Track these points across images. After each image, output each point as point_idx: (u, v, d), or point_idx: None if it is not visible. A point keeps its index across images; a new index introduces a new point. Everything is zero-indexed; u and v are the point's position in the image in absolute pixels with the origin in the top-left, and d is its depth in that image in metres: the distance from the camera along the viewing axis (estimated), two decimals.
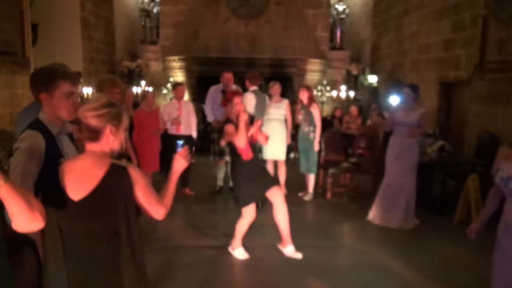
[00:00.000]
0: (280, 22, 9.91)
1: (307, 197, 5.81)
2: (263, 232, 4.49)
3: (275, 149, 5.73)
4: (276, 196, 3.75)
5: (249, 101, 5.40)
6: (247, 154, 3.58)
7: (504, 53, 5.37)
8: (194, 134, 5.91)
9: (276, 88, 5.79)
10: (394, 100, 4.76)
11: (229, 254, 3.89)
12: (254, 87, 5.64)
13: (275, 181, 3.76)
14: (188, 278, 3.40)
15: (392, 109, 4.97)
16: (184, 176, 5.97)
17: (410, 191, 4.67)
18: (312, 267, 3.64)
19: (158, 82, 10.52)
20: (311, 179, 5.82)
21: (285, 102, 5.79)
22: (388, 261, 3.83)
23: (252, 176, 3.65)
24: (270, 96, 5.83)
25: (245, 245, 4.03)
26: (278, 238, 3.96)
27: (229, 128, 3.65)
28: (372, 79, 10.07)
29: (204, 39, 9.88)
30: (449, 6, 6.73)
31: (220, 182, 6.02)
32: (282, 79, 8.19)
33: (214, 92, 5.92)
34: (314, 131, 5.66)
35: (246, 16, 9.86)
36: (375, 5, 10.26)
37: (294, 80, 10.05)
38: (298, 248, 3.90)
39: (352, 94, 10.29)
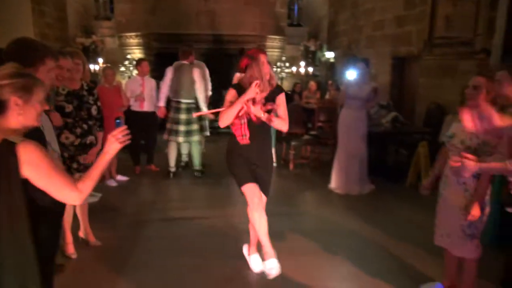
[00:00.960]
0: None
1: None
2: (236, 200, 4.70)
3: None
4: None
5: (167, 74, 5.48)
6: (241, 138, 2.80)
7: (451, 29, 5.76)
8: (185, 115, 5.86)
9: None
10: (350, 74, 4.96)
11: (199, 225, 4.05)
12: (184, 62, 5.52)
13: (267, 190, 2.98)
14: (159, 250, 3.51)
15: (346, 83, 5.14)
16: (149, 153, 6.02)
17: (362, 158, 5.02)
18: (280, 232, 3.87)
19: (115, 59, 10.23)
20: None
21: None
22: (350, 223, 4.15)
23: (245, 164, 2.88)
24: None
25: (220, 214, 4.24)
26: None
27: (230, 93, 2.86)
28: (330, 55, 10.36)
29: (162, 15, 9.68)
30: None
31: (184, 158, 6.10)
32: (242, 55, 8.28)
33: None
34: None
35: None
36: None
37: None
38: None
39: (310, 69, 10.55)
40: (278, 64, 10.56)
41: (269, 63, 2.90)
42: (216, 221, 4.14)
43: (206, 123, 5.98)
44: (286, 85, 10.64)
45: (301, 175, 5.99)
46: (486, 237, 3.33)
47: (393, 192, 5.13)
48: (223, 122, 2.79)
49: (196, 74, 5.42)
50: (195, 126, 5.55)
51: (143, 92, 5.63)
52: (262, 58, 2.78)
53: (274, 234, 3.81)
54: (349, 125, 4.97)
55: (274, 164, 6.05)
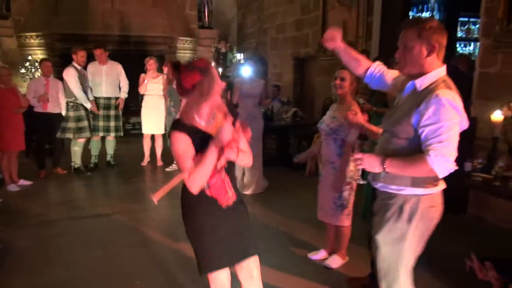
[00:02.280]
0: (147, 0, 9.88)
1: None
2: (142, 197, 4.83)
3: (154, 123, 6.03)
4: (252, 272, 2.07)
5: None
6: (226, 198, 1.91)
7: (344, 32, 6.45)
8: (64, 113, 5.80)
9: (151, 63, 5.99)
10: (246, 71, 5.13)
11: (108, 221, 4.14)
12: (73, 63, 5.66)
13: (255, 245, 2.08)
14: (66, 246, 3.57)
15: (238, 82, 5.18)
16: (55, 156, 5.86)
17: (260, 156, 5.14)
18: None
19: (14, 61, 9.60)
20: None
21: (164, 77, 6.05)
22: (252, 208, 4.53)
23: (226, 235, 1.96)
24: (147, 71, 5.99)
25: (128, 209, 4.35)
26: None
27: (181, 142, 1.81)
28: (240, 56, 10.82)
29: (66, 14, 9.32)
30: None
31: (94, 159, 6.06)
32: (154, 57, 8.31)
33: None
34: (174, 106, 5.83)
35: None
36: None
37: (166, 58, 10.20)
38: (168, 208, 4.36)
39: (221, 70, 10.90)
40: None
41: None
42: (124, 216, 4.25)
43: (120, 123, 6.04)
44: None
45: None
46: (361, 210, 3.93)
47: (295, 179, 5.64)
48: (197, 187, 1.82)
49: (65, 74, 5.58)
50: (82, 124, 5.62)
51: (47, 92, 5.50)
52: (214, 70, 1.87)
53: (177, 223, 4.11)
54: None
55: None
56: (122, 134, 6.14)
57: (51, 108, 5.57)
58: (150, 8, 9.94)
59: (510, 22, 3.56)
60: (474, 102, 4.07)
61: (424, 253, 2.02)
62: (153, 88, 5.97)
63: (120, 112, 6.06)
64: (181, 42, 10.57)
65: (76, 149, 5.75)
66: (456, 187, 3.85)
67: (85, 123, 5.67)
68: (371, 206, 3.16)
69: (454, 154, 1.74)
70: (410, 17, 5.72)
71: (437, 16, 6.28)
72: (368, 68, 2.18)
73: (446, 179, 1.90)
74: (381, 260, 2.04)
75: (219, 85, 1.87)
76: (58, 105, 5.67)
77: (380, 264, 2.06)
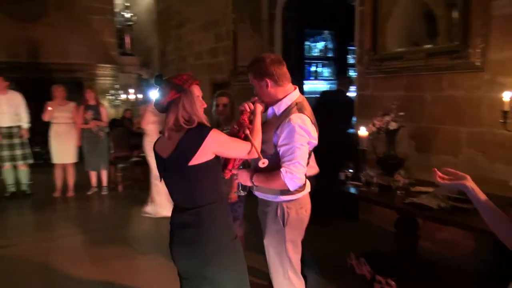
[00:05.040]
0: (62, 27, 9.78)
1: (105, 191, 6.29)
2: (52, 226, 4.79)
3: (64, 152, 5.98)
4: None
5: None
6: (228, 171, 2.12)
7: (247, 60, 6.96)
8: None
9: (59, 91, 5.98)
10: (154, 95, 5.33)
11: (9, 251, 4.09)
12: None
13: None
14: None
15: (147, 107, 5.17)
16: None
17: None
18: (107, 240, 4.22)
19: None
20: (105, 175, 6.29)
21: (72, 105, 6.06)
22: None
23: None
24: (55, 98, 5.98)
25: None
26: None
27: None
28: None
29: None
30: (212, 21, 8.15)
31: (9, 188, 6.02)
32: (72, 83, 8.22)
33: None
34: (103, 129, 6.15)
35: (22, 19, 9.35)
36: (158, 15, 11.22)
37: (84, 84, 10.10)
38: (88, 233, 4.38)
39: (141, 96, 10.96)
40: (112, 92, 10.71)
41: None
42: (32, 246, 4.21)
43: (27, 151, 5.96)
44: (121, 112, 10.82)
45: (131, 194, 6.32)
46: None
47: None
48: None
49: None
50: None
51: None
52: (196, 90, 1.92)
53: (99, 241, 4.25)
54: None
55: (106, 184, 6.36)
56: (32, 161, 6.05)
57: None
58: (66, 36, 9.86)
59: (375, 53, 4.21)
60: (356, 120, 4.67)
61: (312, 255, 2.27)
62: (61, 116, 5.96)
63: (26, 140, 5.96)
64: (101, 69, 10.54)
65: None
66: (348, 198, 4.39)
67: None
68: None
69: (302, 170, 2.05)
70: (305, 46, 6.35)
71: (330, 46, 7.05)
72: None
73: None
74: (271, 260, 2.28)
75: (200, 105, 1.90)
76: None
77: (270, 263, 2.29)
